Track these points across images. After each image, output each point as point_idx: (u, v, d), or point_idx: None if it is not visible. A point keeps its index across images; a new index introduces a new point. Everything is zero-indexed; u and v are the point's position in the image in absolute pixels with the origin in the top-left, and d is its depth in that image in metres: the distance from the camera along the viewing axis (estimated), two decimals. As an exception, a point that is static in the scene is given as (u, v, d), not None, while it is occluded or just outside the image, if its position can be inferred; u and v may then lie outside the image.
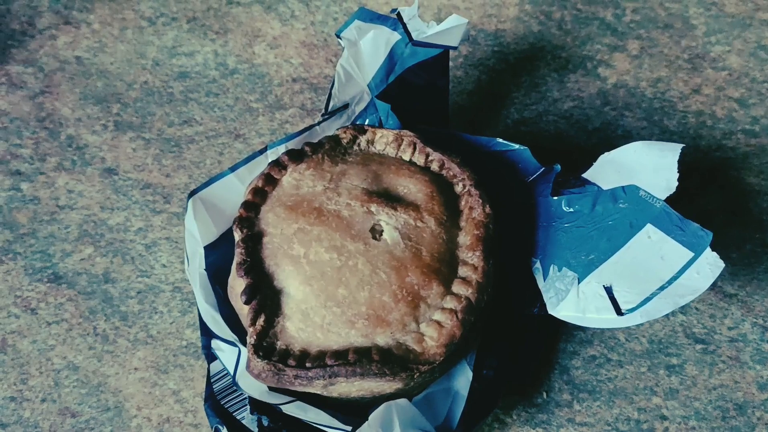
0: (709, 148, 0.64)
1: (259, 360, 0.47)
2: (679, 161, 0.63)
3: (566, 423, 0.54)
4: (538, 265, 0.52)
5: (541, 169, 0.55)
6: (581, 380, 0.56)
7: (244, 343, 0.50)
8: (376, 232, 0.49)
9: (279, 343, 0.48)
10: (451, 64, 0.67)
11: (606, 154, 0.54)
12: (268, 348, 0.48)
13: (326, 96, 0.59)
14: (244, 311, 0.49)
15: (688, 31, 0.70)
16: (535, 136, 0.64)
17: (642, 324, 0.46)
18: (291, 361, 0.47)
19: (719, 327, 0.57)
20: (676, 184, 0.50)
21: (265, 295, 0.49)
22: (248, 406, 0.50)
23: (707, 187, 0.63)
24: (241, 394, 0.51)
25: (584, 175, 0.55)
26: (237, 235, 0.50)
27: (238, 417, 0.51)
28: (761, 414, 0.54)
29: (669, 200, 0.50)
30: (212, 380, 0.52)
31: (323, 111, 0.59)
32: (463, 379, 0.51)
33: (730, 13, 0.71)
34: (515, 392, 0.55)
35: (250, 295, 0.48)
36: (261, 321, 0.48)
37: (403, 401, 0.48)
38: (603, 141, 0.64)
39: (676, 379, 0.56)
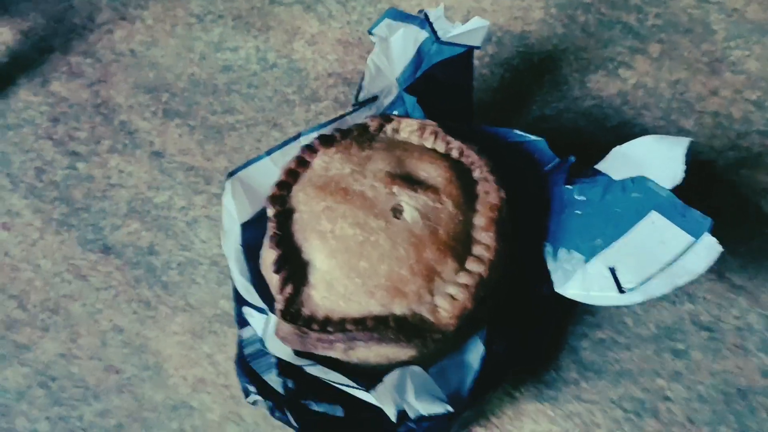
0: (723, 147, 0.67)
1: (286, 324, 0.51)
2: (693, 158, 0.66)
3: (573, 399, 0.57)
4: (549, 248, 0.55)
5: (557, 160, 0.59)
6: (589, 360, 0.59)
7: (273, 311, 0.54)
8: (397, 212, 0.53)
9: (304, 309, 0.52)
10: (477, 63, 0.71)
11: (618, 147, 0.57)
12: (294, 314, 0.52)
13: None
14: (273, 280, 0.54)
15: (709, 35, 0.73)
16: (555, 132, 0.68)
17: (642, 302, 0.49)
18: (315, 326, 0.51)
19: (725, 316, 0.60)
20: (683, 175, 0.53)
21: (294, 266, 0.53)
22: (275, 369, 0.55)
23: (720, 184, 0.65)
24: (269, 358, 0.55)
25: (596, 167, 0.58)
26: (270, 211, 0.55)
27: (265, 378, 0.55)
28: (763, 399, 0.56)
29: (681, 196, 0.53)
30: (243, 345, 0.57)
31: (354, 102, 0.63)
32: (475, 353, 0.55)
33: (751, 20, 0.73)
34: (525, 369, 0.58)
35: (279, 265, 0.53)
36: (289, 289, 0.52)
37: (417, 368, 0.52)
38: (620, 138, 0.67)
39: (681, 363, 0.58)
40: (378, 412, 0.54)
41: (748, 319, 0.59)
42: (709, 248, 0.48)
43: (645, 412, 0.57)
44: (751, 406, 0.56)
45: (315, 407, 0.54)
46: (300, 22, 0.74)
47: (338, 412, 0.54)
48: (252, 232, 0.58)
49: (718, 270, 0.61)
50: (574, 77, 0.71)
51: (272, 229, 0.54)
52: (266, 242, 0.55)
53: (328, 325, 0.51)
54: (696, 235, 0.49)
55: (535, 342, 0.58)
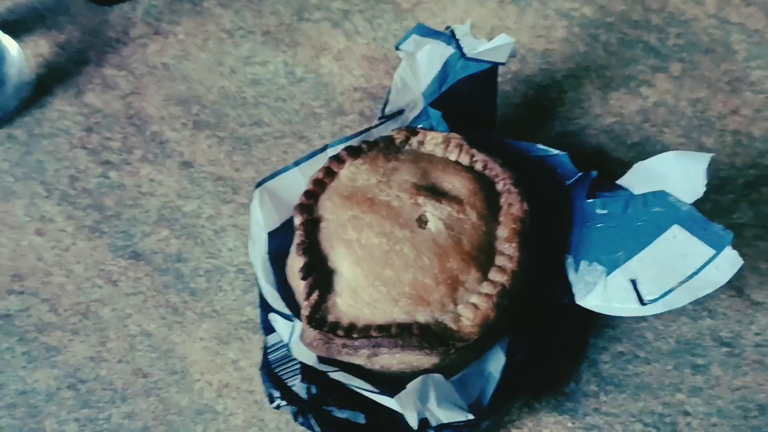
0: (744, 165, 0.68)
1: (311, 330, 0.52)
2: (714, 176, 0.67)
3: (592, 412, 0.58)
4: (570, 260, 0.56)
5: (579, 174, 0.60)
6: (609, 374, 0.59)
7: (298, 318, 0.55)
8: (422, 222, 0.55)
9: (330, 316, 0.53)
10: (500, 79, 0.72)
11: (640, 162, 0.58)
12: (320, 320, 0.53)
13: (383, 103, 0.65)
14: (300, 287, 0.55)
15: (730, 56, 0.74)
16: (577, 148, 0.69)
17: (662, 312, 0.50)
18: (340, 332, 0.52)
19: (745, 332, 0.60)
20: (704, 189, 0.53)
21: (320, 274, 0.54)
22: (299, 375, 0.56)
23: (740, 202, 0.66)
24: (294, 364, 0.56)
25: (618, 182, 0.59)
26: (297, 219, 0.56)
27: (289, 384, 0.56)
28: (783, 415, 0.57)
29: (702, 213, 0.53)
30: (268, 351, 0.58)
31: (380, 115, 0.64)
32: (496, 363, 0.55)
33: (772, 40, 0.74)
34: (545, 381, 0.59)
35: (306, 272, 0.54)
36: (315, 296, 0.53)
37: (439, 377, 0.53)
38: (641, 155, 0.68)
39: (701, 378, 0.59)
40: (399, 420, 0.55)
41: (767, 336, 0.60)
42: (730, 261, 0.49)
43: (664, 426, 0.57)
44: (772, 421, 0.57)
45: (338, 414, 0.55)
46: (327, 38, 0.76)
47: (360, 419, 0.55)
48: (278, 240, 0.60)
49: (738, 286, 0.62)
50: (596, 95, 0.72)
51: (299, 237, 0.55)
52: (293, 250, 0.56)
53: (352, 331, 0.52)
54: (717, 248, 0.50)
55: (555, 352, 0.58)
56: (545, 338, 0.57)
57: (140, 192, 0.68)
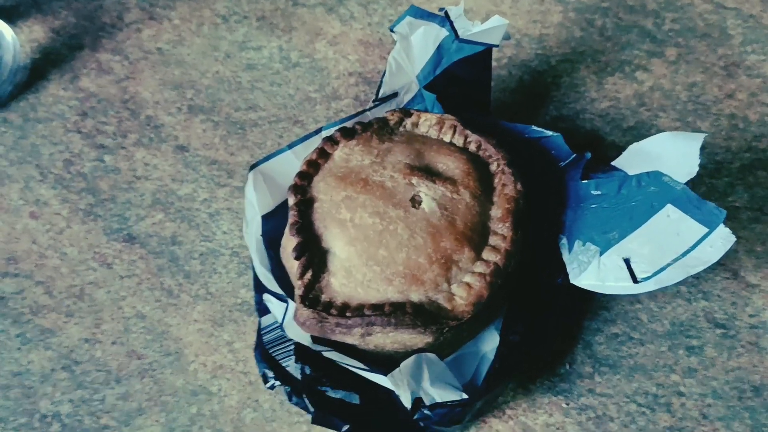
0: (739, 149, 0.68)
1: (305, 309, 0.52)
2: (710, 160, 0.67)
3: (587, 393, 0.58)
4: (564, 241, 0.56)
5: (573, 156, 0.60)
6: (603, 355, 0.59)
7: (292, 299, 0.55)
8: (415, 202, 0.55)
9: (323, 296, 0.53)
10: (495, 64, 0.72)
11: (635, 144, 0.58)
12: (313, 299, 0.53)
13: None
14: (293, 268, 0.55)
15: (725, 40, 0.74)
16: (572, 132, 0.69)
17: (655, 290, 0.50)
18: (333, 311, 0.52)
19: (740, 314, 0.60)
20: (697, 169, 0.53)
21: (313, 253, 0.54)
22: (293, 356, 0.56)
23: (736, 185, 0.66)
24: (288, 345, 0.56)
25: (613, 163, 0.59)
26: (291, 200, 0.56)
27: (283, 365, 0.56)
28: (777, 396, 0.57)
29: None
30: (262, 332, 0.58)
31: (374, 98, 0.64)
32: (490, 344, 0.55)
33: (767, 25, 0.74)
34: (539, 362, 0.59)
35: (300, 252, 0.54)
36: (308, 275, 0.53)
37: (432, 356, 0.53)
38: (636, 138, 0.68)
39: (695, 360, 0.59)
40: (393, 400, 0.55)
41: (763, 317, 0.60)
42: (723, 239, 0.48)
43: (659, 406, 0.57)
44: (765, 402, 0.57)
45: (332, 394, 0.55)
46: (322, 23, 0.76)
47: (354, 399, 0.55)
48: (272, 223, 0.60)
49: (733, 269, 0.62)
50: (592, 79, 0.72)
51: (293, 217, 0.55)
52: (287, 231, 0.56)
53: (346, 310, 0.52)
54: (710, 226, 0.50)
55: (550, 334, 0.58)
56: (539, 320, 0.57)
57: (135, 176, 0.68)
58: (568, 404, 0.57)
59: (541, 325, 0.57)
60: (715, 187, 0.66)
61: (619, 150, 0.62)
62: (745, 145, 0.68)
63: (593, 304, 0.61)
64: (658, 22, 0.75)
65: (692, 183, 0.54)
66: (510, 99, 0.72)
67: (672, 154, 0.55)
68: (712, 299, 0.61)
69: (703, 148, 0.54)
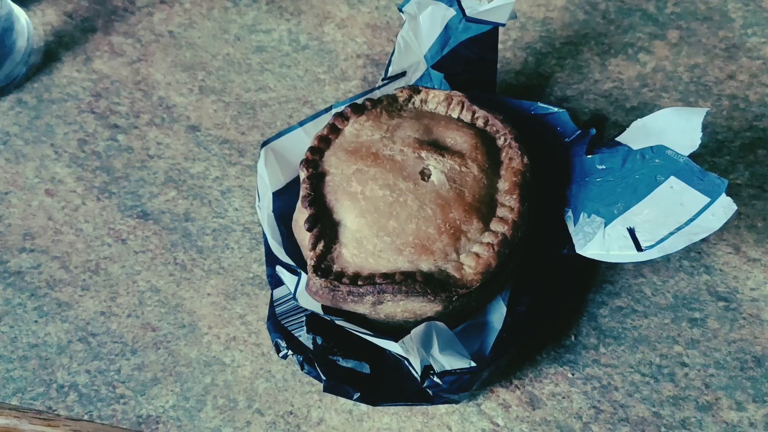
0: (740, 128, 0.69)
1: (317, 278, 0.54)
2: (711, 139, 0.68)
3: (592, 363, 0.59)
4: (570, 214, 0.58)
5: (578, 132, 0.61)
6: (608, 327, 0.60)
7: (304, 272, 0.57)
8: (424, 175, 0.56)
9: (335, 266, 0.54)
10: (501, 46, 0.73)
11: (638, 120, 0.60)
12: (325, 269, 0.54)
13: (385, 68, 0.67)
14: (305, 240, 0.56)
15: (726, 23, 0.75)
16: (576, 112, 0.70)
17: (659, 257, 0.51)
18: (345, 280, 0.53)
19: (742, 287, 0.62)
20: (699, 142, 0.55)
21: (325, 225, 0.55)
22: (305, 327, 0.57)
23: (737, 163, 0.67)
24: (300, 317, 0.58)
25: (617, 139, 0.60)
26: (303, 174, 0.57)
27: (295, 335, 0.58)
28: (778, 366, 0.58)
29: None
30: (275, 304, 0.59)
31: (383, 77, 0.66)
32: (498, 315, 0.57)
33: (767, 9, 0.75)
34: (546, 334, 0.60)
35: (312, 223, 0.55)
36: (320, 246, 0.55)
37: (442, 325, 0.54)
38: (639, 117, 0.69)
39: (698, 331, 0.60)
40: (403, 370, 0.56)
41: (764, 291, 0.61)
42: (724, 208, 0.50)
43: (662, 376, 0.58)
44: (766, 372, 0.58)
45: (343, 363, 0.56)
46: (330, 7, 0.77)
47: (365, 368, 0.56)
48: (283, 200, 0.61)
49: (735, 243, 0.63)
50: (595, 61, 0.73)
51: (305, 190, 0.56)
52: (299, 204, 0.58)
53: (357, 279, 0.53)
54: (713, 196, 0.51)
55: (555, 306, 0.60)
56: (546, 291, 0.58)
57: (148, 155, 0.69)
58: (573, 374, 0.59)
59: (547, 297, 0.58)
60: (717, 165, 0.67)
61: (622, 129, 0.63)
62: (746, 125, 0.69)
63: (598, 278, 0.62)
64: (659, 5, 0.76)
65: (695, 161, 0.55)
66: (515, 80, 0.73)
67: (675, 128, 0.56)
68: (714, 273, 0.62)
69: (704, 128, 0.56)
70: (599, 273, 0.63)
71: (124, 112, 0.71)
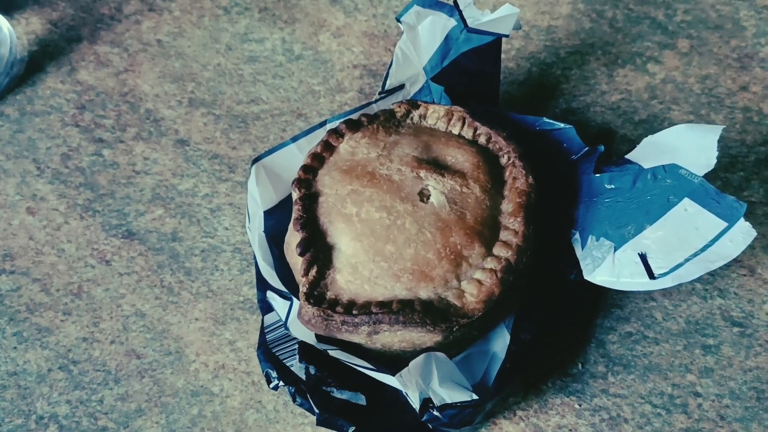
0: (754, 143, 0.66)
1: (310, 306, 0.51)
2: (724, 154, 0.65)
3: (600, 393, 0.56)
4: (577, 236, 0.55)
5: (586, 149, 0.58)
6: (617, 354, 0.57)
7: (296, 296, 0.54)
8: (423, 196, 0.53)
9: (329, 293, 0.51)
10: (504, 56, 0.70)
11: (649, 136, 0.57)
12: (318, 297, 0.51)
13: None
14: (298, 265, 0.53)
15: (738, 32, 0.72)
16: (583, 125, 0.67)
17: (672, 286, 0.48)
18: (339, 309, 0.50)
19: (757, 312, 0.58)
20: (715, 161, 0.52)
21: (318, 249, 0.52)
22: (297, 355, 0.54)
23: (751, 179, 0.64)
24: (292, 344, 0.55)
25: (627, 156, 0.57)
26: (295, 194, 0.54)
27: (287, 364, 0.55)
28: (796, 397, 0.55)
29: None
30: (266, 330, 0.56)
31: (380, 90, 0.63)
32: (501, 342, 0.54)
33: (782, 16, 0.72)
34: (551, 362, 0.57)
35: (304, 248, 0.52)
36: (313, 272, 0.52)
37: (442, 355, 0.51)
38: (648, 132, 0.66)
39: (712, 359, 0.57)
40: (401, 401, 0.53)
41: (781, 315, 0.58)
42: (743, 233, 0.47)
43: (674, 407, 0.55)
44: (785, 402, 0.55)
45: (337, 395, 0.53)
46: (326, 14, 0.74)
47: (361, 400, 0.53)
48: (275, 219, 0.58)
49: (750, 265, 0.60)
50: (602, 71, 0.70)
51: (297, 212, 0.53)
52: (291, 226, 0.55)
53: (352, 308, 0.50)
54: (730, 220, 0.48)
55: (562, 332, 0.57)
56: (551, 318, 0.55)
57: (134, 170, 0.66)
58: (580, 405, 0.56)
59: (553, 324, 0.55)
60: (730, 181, 0.64)
61: (630, 143, 0.60)
62: (760, 139, 0.66)
63: (606, 301, 0.59)
64: (669, 13, 0.73)
65: (707, 177, 0.52)
66: (519, 92, 0.70)
67: (688, 146, 0.54)
68: (728, 297, 0.59)
69: (718, 142, 0.53)
70: (607, 297, 0.60)
71: (109, 125, 0.68)
